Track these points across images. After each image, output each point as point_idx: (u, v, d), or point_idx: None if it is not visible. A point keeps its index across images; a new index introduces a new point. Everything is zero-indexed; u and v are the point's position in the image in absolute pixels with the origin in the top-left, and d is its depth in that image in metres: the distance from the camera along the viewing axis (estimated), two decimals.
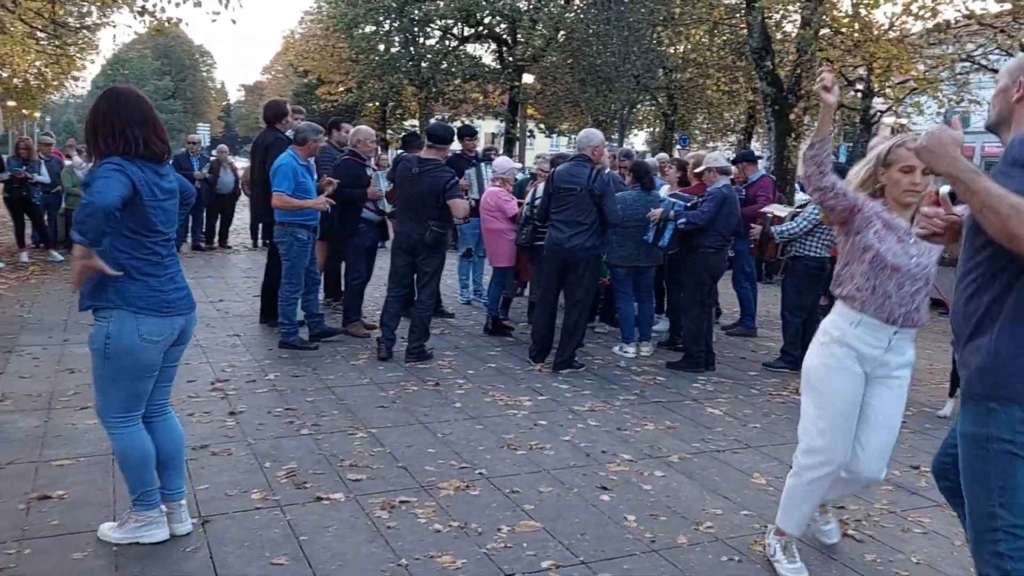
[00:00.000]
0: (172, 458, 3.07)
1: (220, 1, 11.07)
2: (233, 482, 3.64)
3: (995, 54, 19.83)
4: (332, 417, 4.63)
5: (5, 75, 23.34)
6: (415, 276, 6.13)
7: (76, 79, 26.94)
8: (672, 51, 22.97)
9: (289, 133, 6.75)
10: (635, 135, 32.07)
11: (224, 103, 72.74)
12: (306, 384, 5.29)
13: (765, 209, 7.64)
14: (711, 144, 26.27)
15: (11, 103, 28.46)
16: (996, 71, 19.87)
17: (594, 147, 6.04)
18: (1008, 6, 15.64)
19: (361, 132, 6.89)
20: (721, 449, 4.42)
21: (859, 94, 22.62)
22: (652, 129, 29.99)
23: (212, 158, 12.26)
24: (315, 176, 6.25)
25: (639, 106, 26.13)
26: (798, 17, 15.65)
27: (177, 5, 11.54)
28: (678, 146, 26.40)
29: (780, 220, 6.68)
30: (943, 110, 22.65)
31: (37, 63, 21.72)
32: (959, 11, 16.02)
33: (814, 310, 6.36)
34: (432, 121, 26.22)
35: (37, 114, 34.15)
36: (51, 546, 2.95)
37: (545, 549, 3.13)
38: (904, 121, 24.82)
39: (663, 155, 10.19)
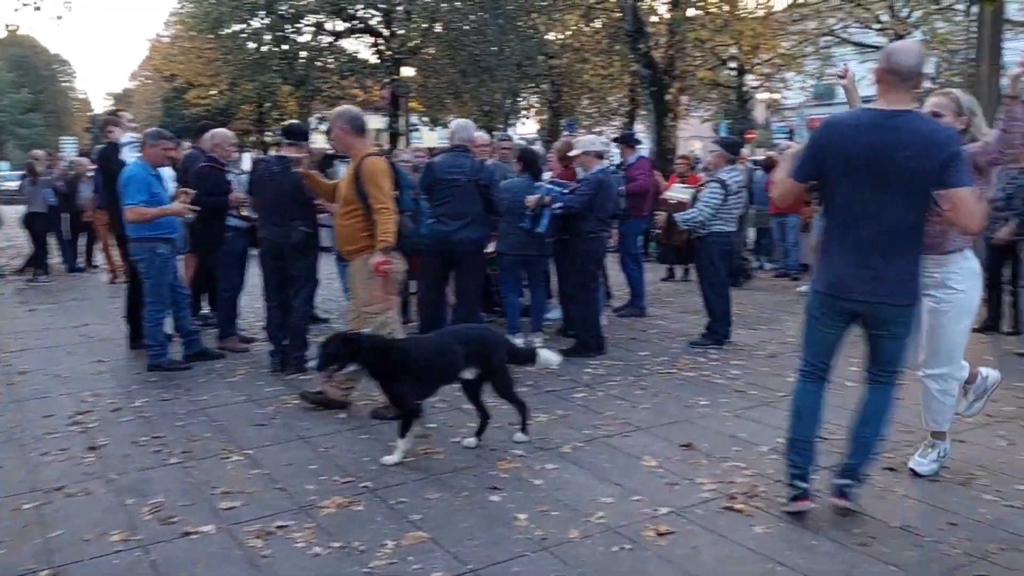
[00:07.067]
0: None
1: (64, 3, 10.34)
2: (91, 523, 3.32)
3: (854, 27, 20.78)
4: (204, 441, 4.33)
5: None
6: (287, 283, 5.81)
7: None
8: (551, 37, 23.05)
9: (127, 139, 6.63)
10: (523, 123, 32.17)
11: (90, 113, 68.73)
12: (176, 408, 4.94)
13: (666, 195, 7.72)
14: (597, 128, 26.53)
15: None
16: (857, 44, 20.92)
17: (471, 138, 5.94)
18: None
19: (218, 135, 6.48)
20: (611, 434, 4.38)
21: (734, 72, 23.36)
22: (540, 117, 30.04)
23: (70, 172, 11.43)
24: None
25: (523, 94, 26.16)
26: None
27: (16, 10, 10.71)
28: (565, 131, 26.51)
29: (684, 204, 6.73)
30: (810, 84, 23.65)
31: None
32: None
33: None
34: (311, 119, 25.47)
35: None
36: None
37: (431, 560, 2.99)
38: (777, 96, 25.85)
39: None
